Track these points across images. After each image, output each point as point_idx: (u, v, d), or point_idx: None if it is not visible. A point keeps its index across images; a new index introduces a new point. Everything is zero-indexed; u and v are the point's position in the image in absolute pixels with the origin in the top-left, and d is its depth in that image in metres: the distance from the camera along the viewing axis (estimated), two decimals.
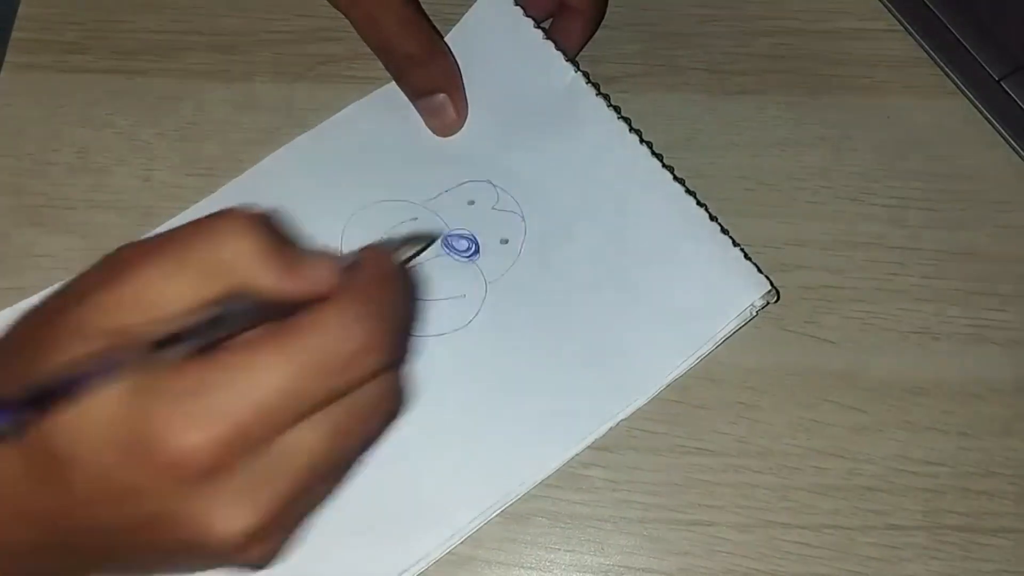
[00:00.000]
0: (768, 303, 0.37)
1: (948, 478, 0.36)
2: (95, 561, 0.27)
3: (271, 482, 0.25)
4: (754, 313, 0.36)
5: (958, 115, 0.41)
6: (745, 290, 0.36)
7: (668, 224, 0.38)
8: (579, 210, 0.38)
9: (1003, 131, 0.40)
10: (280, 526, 0.26)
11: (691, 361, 0.36)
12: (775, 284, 0.37)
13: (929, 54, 0.42)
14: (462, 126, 0.40)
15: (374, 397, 0.27)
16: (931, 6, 0.42)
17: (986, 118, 0.40)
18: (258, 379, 0.24)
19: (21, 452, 0.24)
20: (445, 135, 0.40)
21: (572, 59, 0.40)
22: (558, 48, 0.40)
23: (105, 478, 0.24)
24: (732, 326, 0.36)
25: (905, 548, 0.35)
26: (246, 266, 0.25)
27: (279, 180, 0.40)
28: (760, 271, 0.37)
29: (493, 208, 0.39)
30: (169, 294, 0.24)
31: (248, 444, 0.24)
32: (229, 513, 0.24)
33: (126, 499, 0.24)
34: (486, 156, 0.40)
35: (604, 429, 0.36)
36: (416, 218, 0.39)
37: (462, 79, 0.40)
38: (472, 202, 0.39)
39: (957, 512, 0.35)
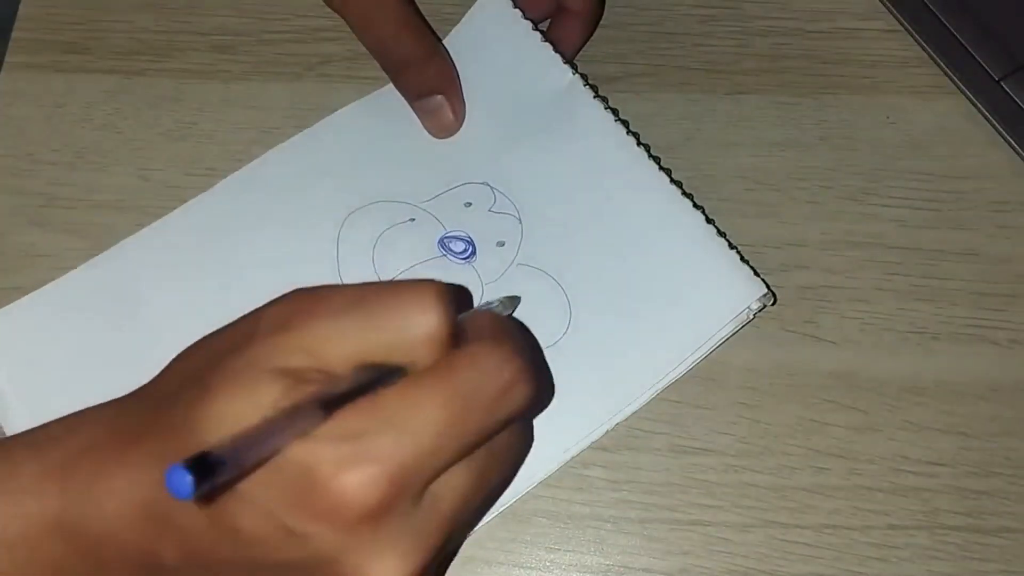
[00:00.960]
0: (765, 306, 0.37)
1: (948, 478, 0.36)
2: None
3: (426, 531, 0.26)
4: (751, 316, 0.36)
5: (958, 115, 0.41)
6: (742, 293, 0.36)
7: (665, 227, 0.38)
8: (576, 212, 0.38)
9: (1003, 131, 0.40)
10: (428, 574, 0.27)
11: (687, 364, 0.36)
12: (775, 284, 0.37)
13: (929, 54, 0.42)
14: (459, 128, 0.40)
15: (512, 444, 0.29)
16: (931, 6, 0.42)
17: (986, 118, 0.40)
18: (417, 418, 0.25)
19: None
20: (442, 136, 0.40)
21: (570, 61, 0.40)
22: (556, 50, 0.40)
23: (272, 520, 0.24)
24: (729, 329, 0.36)
25: (905, 548, 0.35)
26: (421, 349, 0.26)
27: (277, 178, 0.40)
28: (757, 274, 0.37)
29: (490, 210, 0.39)
30: (349, 346, 0.25)
31: (409, 486, 0.25)
32: (386, 563, 0.25)
33: (290, 544, 0.25)
34: (484, 158, 0.40)
35: (603, 430, 0.36)
36: (413, 219, 0.39)
37: (459, 81, 0.40)
38: (469, 204, 0.39)
39: (957, 512, 0.35)
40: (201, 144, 0.41)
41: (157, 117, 0.42)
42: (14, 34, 0.43)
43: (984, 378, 0.37)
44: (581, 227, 0.38)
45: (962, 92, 0.41)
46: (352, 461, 0.24)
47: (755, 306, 0.36)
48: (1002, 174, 0.40)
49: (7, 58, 0.43)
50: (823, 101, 0.42)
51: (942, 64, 0.41)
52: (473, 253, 0.38)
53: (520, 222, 0.39)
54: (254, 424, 0.23)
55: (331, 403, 0.24)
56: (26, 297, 0.38)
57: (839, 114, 0.41)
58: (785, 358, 0.37)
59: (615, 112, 0.39)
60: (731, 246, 0.37)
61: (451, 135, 0.40)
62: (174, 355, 0.29)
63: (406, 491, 0.25)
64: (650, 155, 0.38)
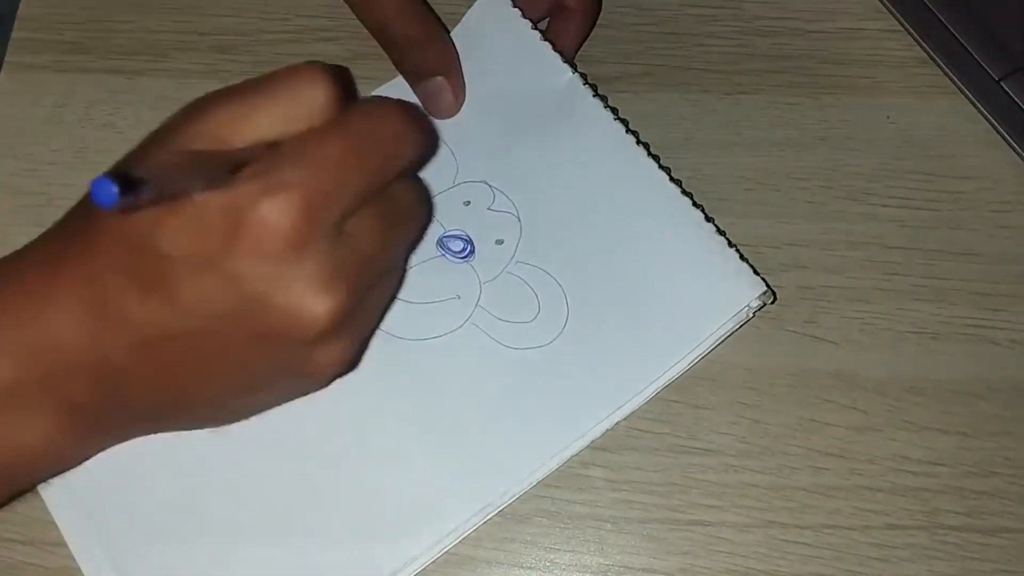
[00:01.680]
0: (765, 304, 0.37)
1: (948, 478, 0.36)
2: (180, 392, 0.30)
3: (347, 266, 0.28)
4: (750, 315, 0.36)
5: (958, 115, 0.41)
6: (741, 291, 0.36)
7: (664, 225, 0.38)
8: (575, 211, 0.38)
9: (1003, 131, 0.40)
10: (356, 321, 0.30)
11: (687, 362, 0.36)
12: (774, 284, 0.37)
13: (929, 54, 0.42)
14: (459, 110, 0.40)
15: (412, 195, 0.32)
16: (931, 6, 0.42)
17: (986, 118, 0.40)
18: (320, 153, 0.27)
19: (126, 261, 0.27)
20: (443, 118, 0.40)
21: (570, 59, 0.40)
22: (555, 49, 0.40)
23: (204, 268, 0.26)
24: (728, 327, 0.36)
25: (905, 548, 0.35)
26: (318, 114, 0.28)
27: None
28: (756, 272, 0.37)
29: (489, 209, 0.39)
30: (246, 132, 0.28)
31: (324, 215, 0.27)
32: (317, 293, 0.27)
33: (224, 290, 0.27)
34: (483, 157, 0.40)
35: (602, 429, 0.36)
36: None
37: (460, 63, 0.40)
38: (468, 202, 0.39)
39: (957, 512, 0.35)
40: None
41: (157, 117, 0.41)
42: (14, 34, 0.43)
43: (984, 378, 0.37)
44: (580, 225, 0.38)
45: (962, 92, 0.41)
46: (266, 191, 0.26)
47: (755, 304, 0.36)
48: (1002, 174, 0.40)
49: (7, 58, 0.43)
50: (823, 101, 0.42)
51: (942, 64, 0.41)
52: (472, 252, 0.38)
53: (519, 220, 0.39)
54: (170, 162, 0.26)
55: (238, 166, 0.26)
56: None
57: (839, 114, 0.41)
58: (785, 358, 0.37)
59: (614, 111, 0.39)
60: (730, 244, 0.37)
61: (451, 116, 0.40)
62: None
63: (322, 218, 0.27)
64: (649, 154, 0.38)
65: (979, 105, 0.40)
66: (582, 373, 0.36)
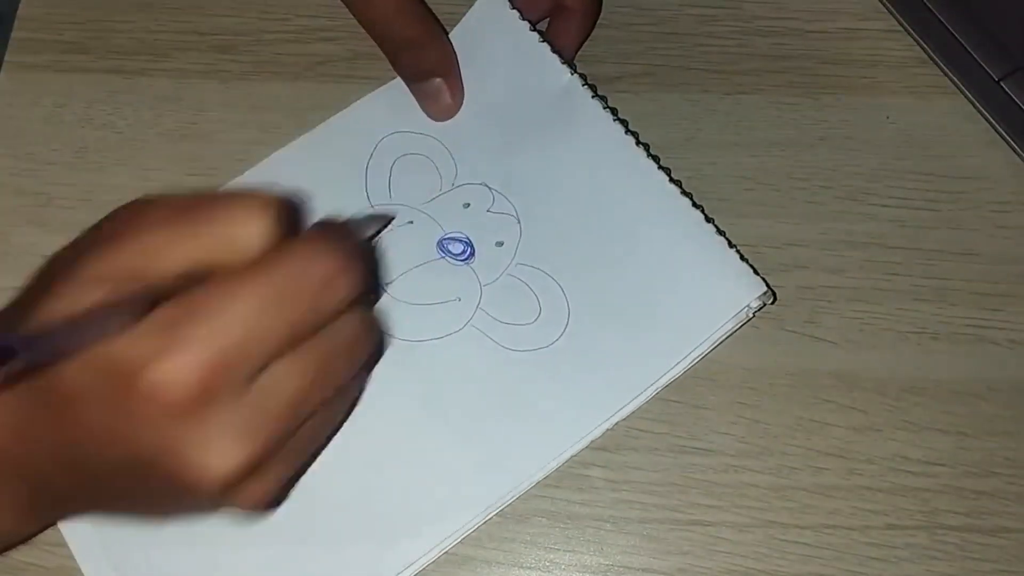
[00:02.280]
0: (765, 304, 0.37)
1: (947, 478, 0.36)
2: (107, 502, 0.29)
3: (258, 419, 0.26)
4: (750, 315, 0.36)
5: (958, 115, 0.41)
6: (741, 291, 0.36)
7: (664, 226, 0.38)
8: (574, 212, 0.38)
9: (1003, 131, 0.40)
10: (273, 465, 0.28)
11: (687, 362, 0.36)
12: (775, 284, 0.37)
13: (929, 54, 0.42)
14: (458, 111, 0.40)
15: (349, 332, 0.29)
16: (931, 6, 0.42)
17: (986, 118, 0.40)
18: (232, 308, 0.25)
19: (37, 392, 0.26)
20: (441, 119, 0.40)
21: (569, 60, 0.40)
22: (554, 50, 0.40)
23: (108, 415, 0.25)
24: (728, 327, 0.36)
25: (904, 548, 0.35)
26: (250, 252, 0.26)
27: (276, 182, 0.40)
28: (756, 272, 0.37)
29: (488, 211, 0.39)
30: (175, 257, 0.26)
31: (227, 374, 0.25)
32: (220, 449, 0.25)
33: (128, 436, 0.26)
34: (482, 159, 0.40)
35: (602, 429, 0.36)
36: (412, 221, 0.39)
37: (458, 64, 0.40)
38: (467, 205, 0.39)
39: (956, 512, 0.35)
40: (201, 144, 0.41)
41: (157, 117, 0.42)
42: (14, 34, 0.44)
43: (984, 378, 0.37)
44: (579, 226, 0.38)
45: (962, 92, 0.41)
46: (164, 351, 0.24)
47: (755, 304, 0.36)
48: (1002, 174, 0.40)
49: (7, 58, 0.43)
50: (823, 101, 0.42)
51: (942, 64, 0.41)
52: (472, 254, 0.38)
53: (518, 222, 0.39)
54: (60, 318, 0.24)
55: (151, 305, 0.25)
56: None
57: (839, 114, 0.41)
58: (785, 358, 0.37)
59: (614, 111, 0.39)
60: (730, 244, 0.37)
61: (450, 118, 0.40)
62: None
63: (224, 379, 0.25)
64: (649, 154, 0.38)
65: (979, 105, 0.40)
66: (582, 374, 0.36)
